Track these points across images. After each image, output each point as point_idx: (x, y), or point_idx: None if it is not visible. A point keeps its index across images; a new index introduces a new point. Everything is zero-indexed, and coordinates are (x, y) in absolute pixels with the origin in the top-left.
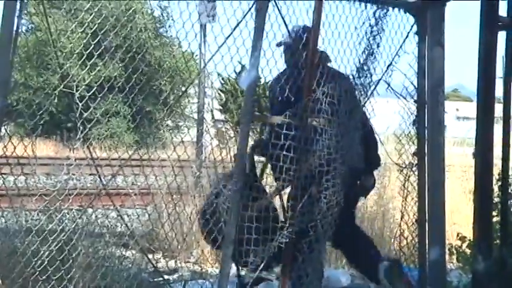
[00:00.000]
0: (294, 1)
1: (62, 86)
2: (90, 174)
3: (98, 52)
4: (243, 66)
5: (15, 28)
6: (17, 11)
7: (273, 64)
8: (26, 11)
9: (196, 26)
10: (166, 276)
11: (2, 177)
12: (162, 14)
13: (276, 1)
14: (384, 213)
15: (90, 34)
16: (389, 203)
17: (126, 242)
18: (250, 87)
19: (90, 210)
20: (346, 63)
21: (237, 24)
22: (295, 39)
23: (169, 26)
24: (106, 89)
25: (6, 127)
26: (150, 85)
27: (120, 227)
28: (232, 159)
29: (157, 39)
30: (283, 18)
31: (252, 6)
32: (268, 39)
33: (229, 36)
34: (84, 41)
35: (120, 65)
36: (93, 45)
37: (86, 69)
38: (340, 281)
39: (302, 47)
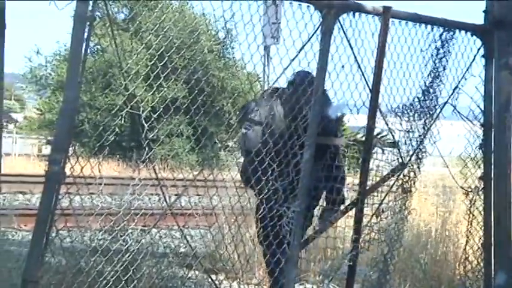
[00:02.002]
0: (359, 23)
1: (129, 107)
2: (152, 194)
3: (162, 73)
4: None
5: (83, 50)
6: (85, 33)
7: (338, 86)
8: (94, 33)
9: (260, 47)
10: None
11: (69, 197)
12: (226, 36)
13: (342, 23)
14: (449, 237)
15: (155, 55)
16: (454, 227)
17: (190, 262)
18: (317, 111)
19: (153, 231)
20: (412, 86)
21: (303, 46)
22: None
23: (233, 48)
24: (172, 110)
25: (73, 147)
26: (213, 106)
27: (184, 248)
28: None
29: (221, 60)
30: (348, 40)
31: (317, 29)
32: (333, 61)
33: (294, 58)
34: (146, 61)
35: (184, 86)
36: (159, 67)
37: (152, 91)
38: None
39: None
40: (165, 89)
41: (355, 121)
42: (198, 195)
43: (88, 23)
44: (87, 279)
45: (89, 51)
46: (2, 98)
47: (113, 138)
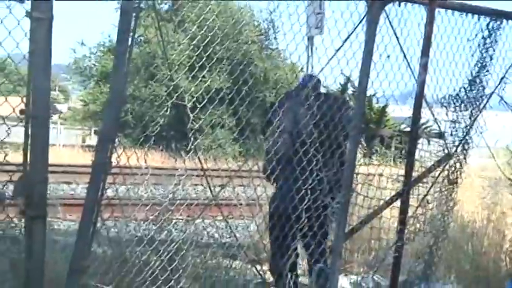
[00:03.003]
0: (405, 13)
1: (174, 97)
2: (197, 185)
3: (202, 63)
4: (348, 79)
5: (129, 41)
6: (132, 24)
7: (383, 76)
8: (140, 24)
9: (304, 38)
10: None
11: (116, 187)
12: (268, 27)
13: (388, 13)
14: (494, 228)
15: (199, 46)
16: (500, 219)
17: (234, 253)
18: (362, 101)
19: (198, 221)
20: (458, 76)
21: (348, 36)
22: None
23: (275, 38)
24: (216, 100)
25: (118, 138)
26: (256, 97)
27: (228, 238)
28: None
29: (263, 51)
30: (394, 30)
31: (363, 18)
32: (379, 51)
33: (339, 48)
34: (191, 52)
35: (227, 77)
36: (203, 58)
37: (196, 82)
38: None
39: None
40: (209, 80)
41: (400, 112)
42: (242, 185)
43: (134, 14)
44: (133, 269)
45: (134, 42)
46: (50, 89)
47: (158, 128)
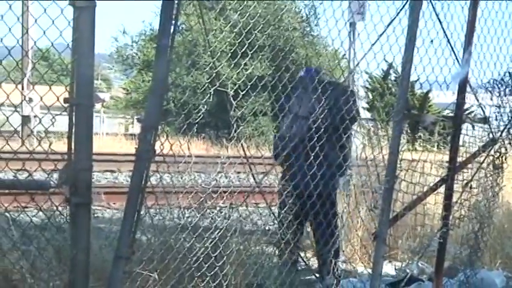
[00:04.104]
0: None
1: (217, 85)
2: (240, 172)
3: (244, 50)
4: (390, 65)
5: (172, 29)
6: (174, 12)
7: (426, 61)
8: (182, 12)
9: (343, 24)
10: (318, 275)
11: (160, 174)
12: (309, 13)
13: None
14: None
15: (241, 34)
16: None
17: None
18: (405, 87)
19: (240, 208)
20: (503, 61)
21: (391, 21)
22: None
23: (316, 25)
24: (259, 87)
25: (161, 126)
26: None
27: (272, 225)
28: (381, 157)
29: (305, 38)
30: (437, 15)
31: (406, 3)
32: (422, 36)
33: (382, 33)
34: (230, 39)
35: (269, 64)
36: (245, 45)
37: (239, 69)
38: (494, 283)
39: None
40: (251, 68)
41: (444, 97)
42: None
43: (176, 2)
44: (178, 256)
45: (176, 30)
46: (93, 77)
47: (201, 116)
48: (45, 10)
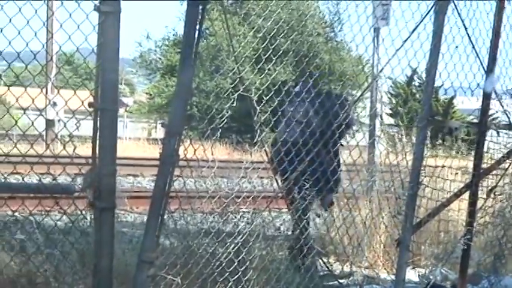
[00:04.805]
0: (474, 3)
1: (240, 89)
2: (263, 177)
3: (268, 56)
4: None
5: (197, 34)
6: (199, 17)
7: (451, 67)
8: (207, 17)
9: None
10: (341, 280)
11: (183, 179)
12: (333, 19)
13: (456, 3)
14: None
15: (265, 39)
16: None
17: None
18: (430, 93)
19: (264, 213)
20: None
21: (416, 27)
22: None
23: (340, 30)
24: (282, 93)
25: (185, 131)
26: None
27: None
28: (403, 163)
29: (328, 43)
30: (462, 21)
31: (431, 9)
32: (447, 42)
33: (407, 39)
34: (257, 44)
35: (292, 69)
36: (270, 50)
37: (263, 74)
38: None
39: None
40: (275, 73)
41: (469, 103)
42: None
43: (201, 7)
44: (201, 260)
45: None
46: (118, 82)
47: (225, 121)
48: (70, 15)
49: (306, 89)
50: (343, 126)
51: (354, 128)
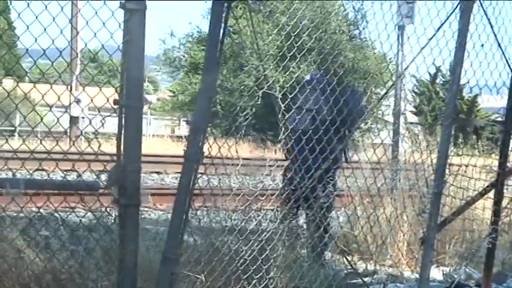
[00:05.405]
0: (500, 1)
1: (265, 87)
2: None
3: (295, 54)
4: (438, 68)
5: (221, 31)
6: (223, 15)
7: (477, 66)
8: (232, 15)
9: (392, 27)
10: (365, 279)
11: (207, 177)
12: (357, 17)
13: (482, 1)
14: None
15: (289, 36)
16: None
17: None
18: (455, 91)
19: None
20: None
21: (441, 25)
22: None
23: (364, 28)
24: (307, 91)
25: (209, 128)
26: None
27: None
28: (426, 161)
29: (351, 41)
30: (488, 19)
31: (456, 7)
32: (472, 40)
33: (432, 37)
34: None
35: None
36: (295, 48)
37: (287, 72)
38: None
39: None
40: (299, 70)
41: (494, 101)
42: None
43: (226, 5)
44: (224, 258)
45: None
46: (143, 79)
47: (249, 119)
48: (96, 12)
49: (317, 78)
50: (354, 114)
51: (364, 117)
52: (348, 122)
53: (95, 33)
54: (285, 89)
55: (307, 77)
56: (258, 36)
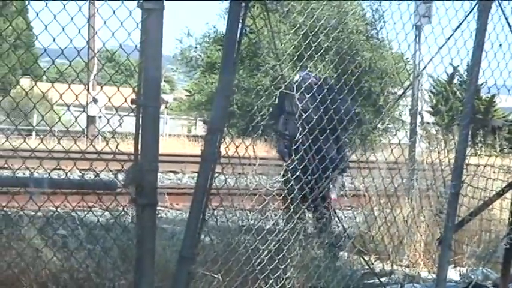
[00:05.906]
0: None
1: (283, 87)
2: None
3: (312, 54)
4: (455, 68)
5: (239, 31)
6: (241, 14)
7: (495, 66)
8: (249, 14)
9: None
10: (382, 279)
11: (224, 176)
12: (374, 17)
13: (500, 1)
14: None
15: (307, 36)
16: None
17: (341, 243)
18: (473, 91)
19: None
20: None
21: (459, 25)
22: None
23: (381, 28)
24: (324, 90)
25: (226, 128)
26: (359, 87)
27: (335, 228)
28: (443, 161)
29: (369, 40)
30: (506, 19)
31: (474, 6)
32: (490, 40)
33: (450, 36)
34: (299, 42)
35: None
36: (312, 48)
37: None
38: None
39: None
40: (316, 70)
41: None
42: (348, 176)
43: (243, 4)
44: (241, 258)
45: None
46: (160, 79)
47: (265, 118)
48: (114, 12)
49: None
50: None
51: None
52: (335, 123)
53: (113, 33)
54: (302, 88)
55: (296, 77)
56: (275, 35)
